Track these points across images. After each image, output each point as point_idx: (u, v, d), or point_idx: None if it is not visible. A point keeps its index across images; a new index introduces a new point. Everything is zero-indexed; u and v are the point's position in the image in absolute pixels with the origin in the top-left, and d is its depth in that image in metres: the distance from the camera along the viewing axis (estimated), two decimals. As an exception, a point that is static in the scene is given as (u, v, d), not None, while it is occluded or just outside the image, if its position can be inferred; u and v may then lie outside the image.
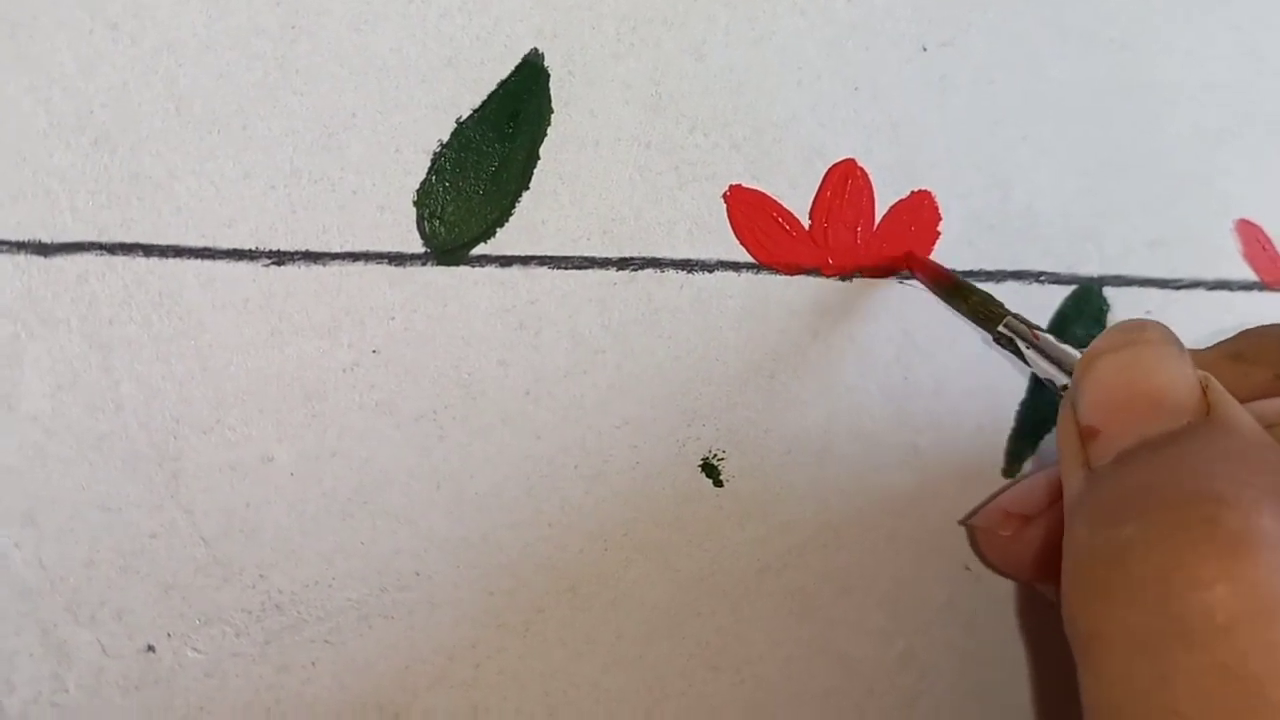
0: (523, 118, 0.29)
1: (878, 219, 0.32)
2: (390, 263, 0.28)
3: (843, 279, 0.32)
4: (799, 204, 0.31)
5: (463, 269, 0.29)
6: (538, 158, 0.29)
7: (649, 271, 0.30)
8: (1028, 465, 0.34)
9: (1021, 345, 0.28)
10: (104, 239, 0.27)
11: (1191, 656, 0.19)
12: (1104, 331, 0.26)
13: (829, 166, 0.32)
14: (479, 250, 0.29)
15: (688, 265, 0.31)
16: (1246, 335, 0.27)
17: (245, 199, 0.27)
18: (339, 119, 0.28)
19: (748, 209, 0.31)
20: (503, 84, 0.29)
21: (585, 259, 0.30)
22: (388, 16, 0.28)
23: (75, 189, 0.26)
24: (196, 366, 0.27)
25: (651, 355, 0.30)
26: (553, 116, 0.30)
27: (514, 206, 0.29)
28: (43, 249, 0.26)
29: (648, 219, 0.30)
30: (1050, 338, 0.28)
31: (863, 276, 0.32)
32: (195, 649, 0.28)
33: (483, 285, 0.29)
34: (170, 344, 0.27)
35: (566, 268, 0.30)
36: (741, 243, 0.31)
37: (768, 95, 0.31)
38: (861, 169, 0.32)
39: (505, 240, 0.29)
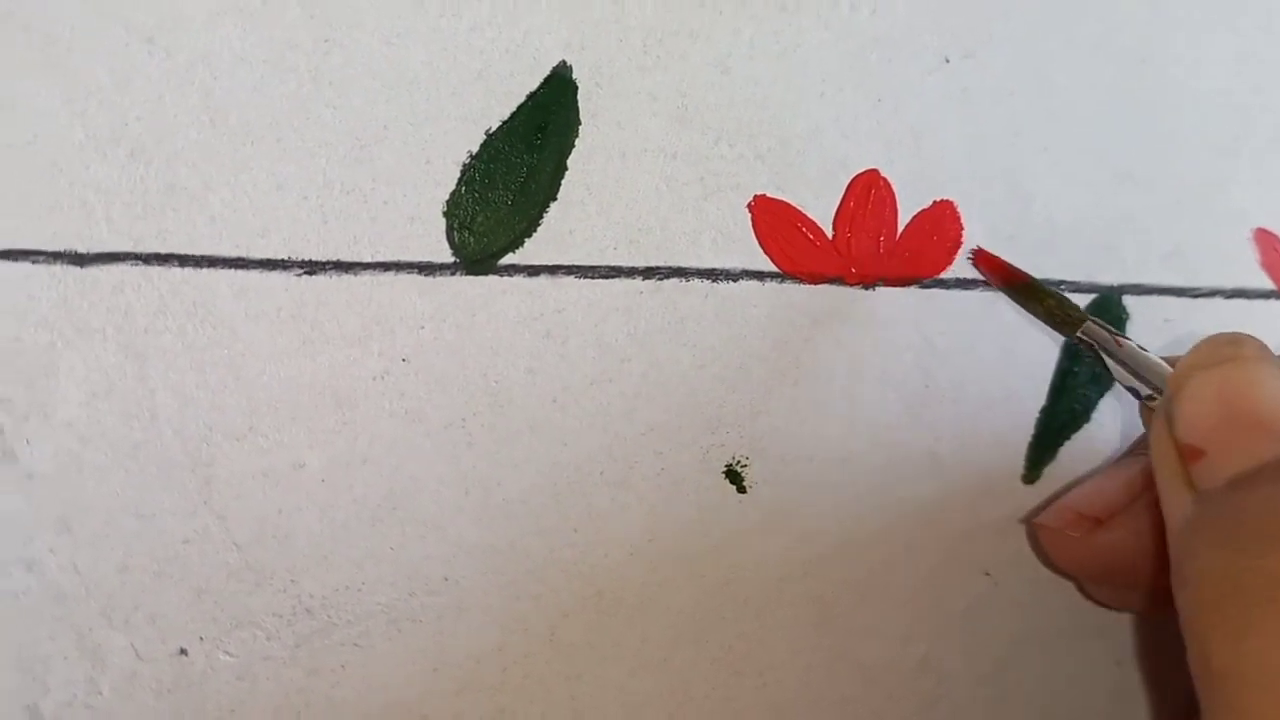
0: (551, 129, 0.30)
1: (900, 228, 0.33)
2: (420, 272, 0.29)
3: (865, 288, 0.32)
4: (822, 214, 0.32)
5: (491, 279, 0.29)
6: (565, 169, 0.30)
7: (674, 281, 0.31)
8: (1048, 471, 0.34)
9: (1101, 352, 0.28)
10: (139, 249, 0.27)
11: None
12: (1196, 344, 0.26)
13: (852, 177, 0.32)
14: (507, 260, 0.29)
15: (713, 275, 0.31)
16: None
17: (278, 210, 0.28)
18: (371, 131, 0.28)
19: (772, 219, 0.31)
20: (531, 96, 0.29)
21: (612, 268, 0.30)
22: (419, 30, 0.28)
23: (111, 200, 0.27)
24: (229, 375, 0.28)
25: (676, 363, 0.31)
26: (580, 128, 0.30)
27: (542, 217, 0.30)
28: (79, 259, 0.27)
29: (673, 229, 0.31)
30: (1133, 344, 0.28)
31: (885, 285, 0.32)
32: (227, 652, 0.28)
33: (511, 294, 0.29)
34: (204, 353, 0.27)
35: (593, 277, 0.30)
36: (766, 252, 0.31)
37: (791, 107, 0.31)
38: (884, 179, 0.32)
39: (533, 250, 0.30)
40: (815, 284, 0.32)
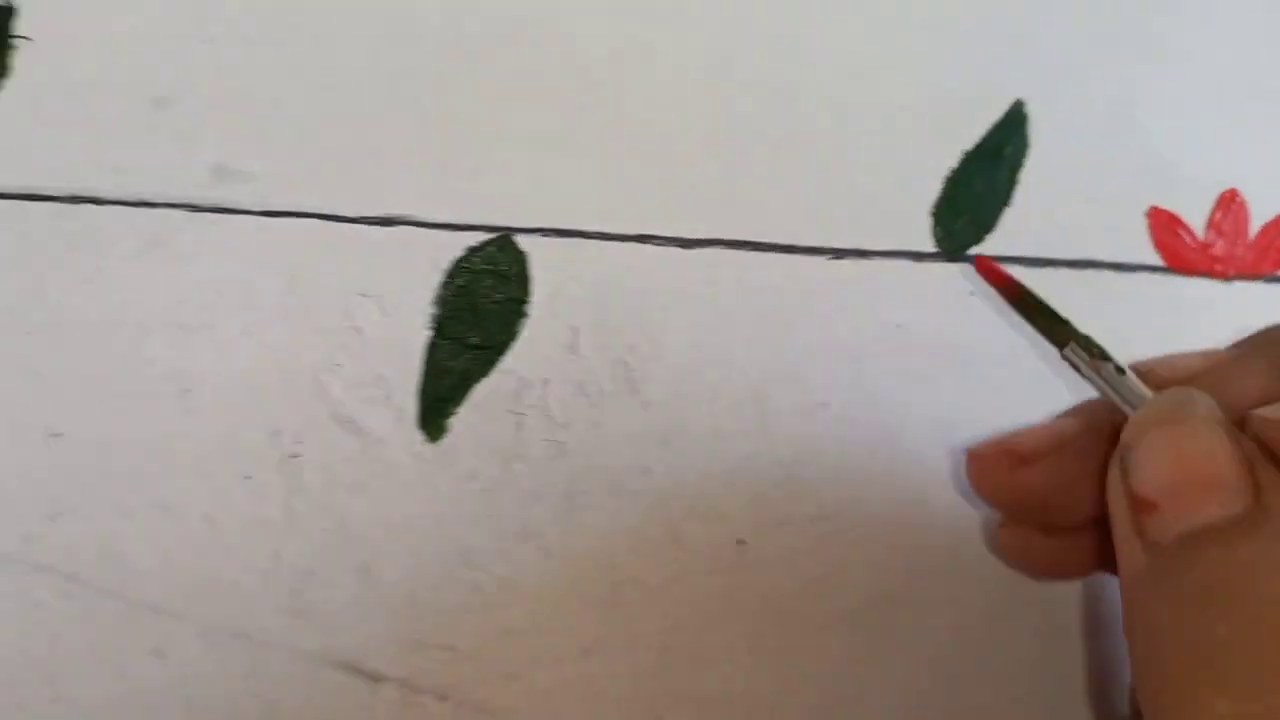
0: (1007, 151, 0.39)
1: (1251, 235, 0.42)
2: (913, 259, 0.38)
3: (1225, 281, 0.41)
4: (1196, 221, 0.41)
5: (963, 265, 0.38)
6: (1018, 181, 0.39)
7: (1091, 271, 0.40)
8: None
9: (1084, 370, 0.31)
10: (726, 236, 0.36)
11: None
12: (1152, 399, 0.29)
13: (1219, 193, 0.41)
14: (973, 250, 0.39)
15: (1118, 267, 0.40)
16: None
17: (817, 207, 0.37)
18: (884, 149, 0.37)
19: (1162, 225, 0.40)
20: (996, 126, 0.39)
21: (1046, 260, 0.39)
22: (920, 74, 0.37)
23: (706, 196, 0.36)
24: (779, 333, 0.37)
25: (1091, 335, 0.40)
26: (1030, 149, 0.39)
27: (998, 219, 0.39)
28: (686, 243, 0.36)
29: (1093, 229, 0.40)
30: (1112, 368, 0.31)
31: (1239, 280, 0.42)
32: (772, 544, 0.37)
33: (976, 278, 0.39)
34: (762, 315, 0.37)
35: (1035, 266, 0.39)
36: (1156, 250, 0.40)
37: (1179, 135, 0.40)
38: (1241, 196, 0.41)
39: (991, 244, 0.39)
40: (1190, 277, 0.41)
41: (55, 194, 0.28)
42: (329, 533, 0.33)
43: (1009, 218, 0.38)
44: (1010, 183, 0.38)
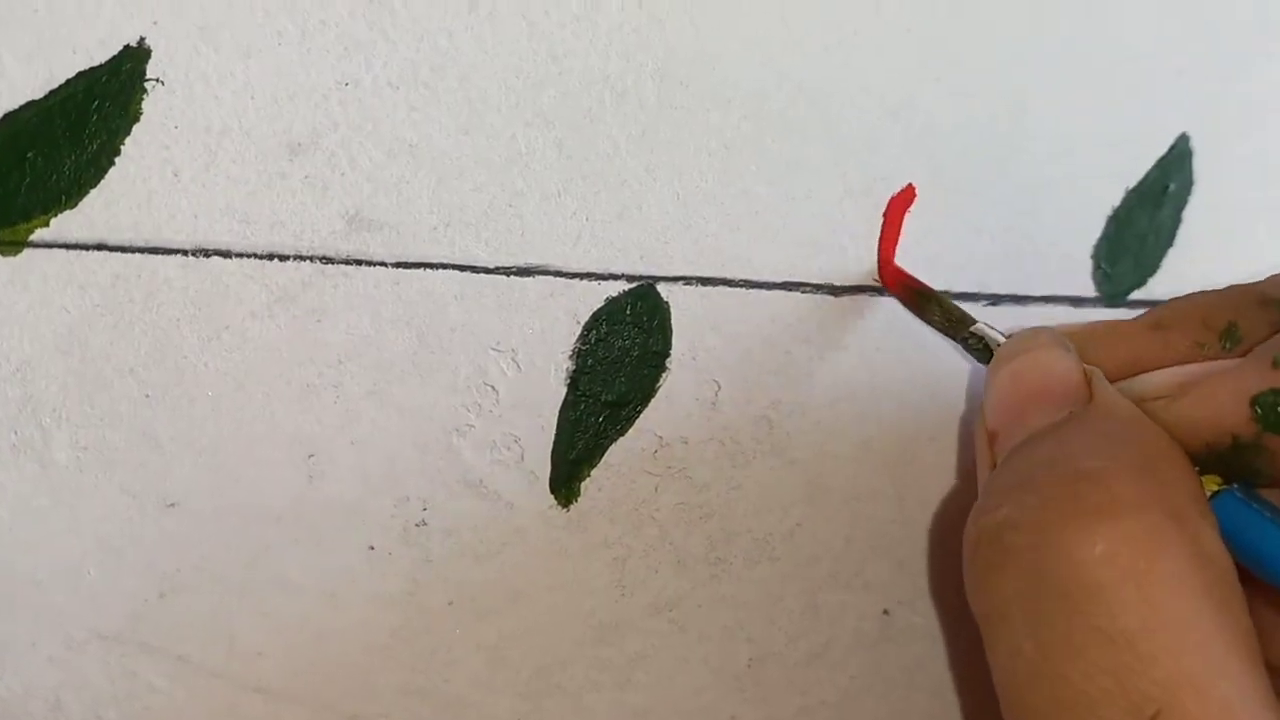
0: (1171, 190, 0.36)
1: None
2: (1071, 304, 0.35)
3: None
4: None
5: (1122, 310, 0.36)
6: (1181, 221, 0.36)
7: (1257, 317, 0.37)
8: None
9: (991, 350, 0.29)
10: (876, 282, 0.33)
11: (1068, 620, 0.20)
12: (1001, 344, 0.28)
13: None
14: (1135, 295, 0.36)
15: None
16: (1170, 304, 0.28)
17: (969, 253, 0.34)
18: (1037, 189, 0.34)
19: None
20: (1159, 161, 0.36)
21: (1211, 306, 0.36)
22: (1084, 108, 0.34)
23: (859, 243, 0.33)
24: (931, 385, 0.34)
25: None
26: (1194, 187, 0.36)
27: (1162, 261, 0.36)
28: (834, 290, 0.33)
29: (1261, 271, 0.37)
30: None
31: None
32: (918, 615, 0.34)
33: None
34: (914, 367, 0.34)
35: (1198, 313, 0.36)
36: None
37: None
38: None
39: (1154, 287, 0.36)
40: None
41: (181, 247, 0.25)
42: (454, 607, 0.30)
43: (1173, 260, 0.36)
44: (1174, 223, 0.35)
